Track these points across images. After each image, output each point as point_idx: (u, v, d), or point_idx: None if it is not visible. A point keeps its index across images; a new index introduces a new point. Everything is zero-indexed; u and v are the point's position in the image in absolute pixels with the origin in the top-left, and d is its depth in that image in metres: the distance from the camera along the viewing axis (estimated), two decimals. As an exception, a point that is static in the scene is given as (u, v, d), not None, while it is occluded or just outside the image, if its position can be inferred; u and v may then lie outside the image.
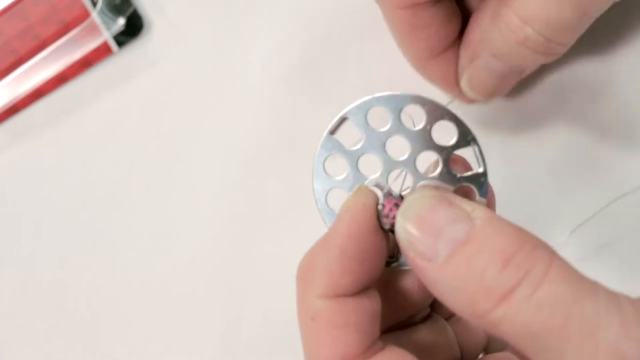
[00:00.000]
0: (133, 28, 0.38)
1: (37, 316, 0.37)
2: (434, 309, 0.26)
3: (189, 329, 0.36)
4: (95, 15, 0.38)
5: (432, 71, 0.29)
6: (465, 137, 0.22)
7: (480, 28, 0.27)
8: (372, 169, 0.23)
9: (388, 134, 0.23)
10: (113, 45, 0.38)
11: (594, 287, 0.19)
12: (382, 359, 0.22)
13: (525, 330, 0.18)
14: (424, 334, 0.25)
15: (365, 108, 0.23)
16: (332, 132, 0.23)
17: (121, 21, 0.38)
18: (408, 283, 0.24)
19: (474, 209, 0.20)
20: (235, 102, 0.37)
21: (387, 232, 0.22)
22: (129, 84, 0.38)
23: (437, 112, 0.22)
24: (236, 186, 0.37)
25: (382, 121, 0.23)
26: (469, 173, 0.23)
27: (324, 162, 0.23)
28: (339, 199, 0.23)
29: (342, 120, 0.23)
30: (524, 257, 0.19)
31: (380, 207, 0.22)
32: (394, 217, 0.21)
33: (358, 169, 0.23)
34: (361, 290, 0.22)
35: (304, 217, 0.29)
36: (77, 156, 0.38)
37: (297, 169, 0.36)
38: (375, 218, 0.22)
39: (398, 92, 0.23)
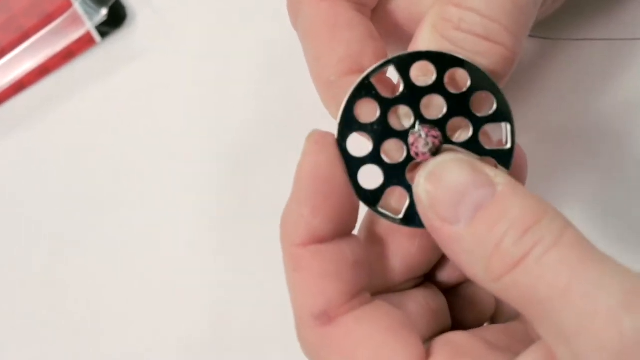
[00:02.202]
0: (116, 18, 0.38)
1: (23, 314, 0.37)
2: (431, 279, 0.27)
3: (180, 324, 0.36)
4: (77, 5, 0.38)
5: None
6: (502, 113, 0.23)
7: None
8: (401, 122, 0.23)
9: (427, 91, 0.23)
10: (96, 36, 0.38)
11: (602, 257, 0.19)
12: (367, 311, 0.22)
13: (531, 294, 0.19)
14: (416, 298, 0.25)
15: (412, 59, 0.23)
16: (370, 75, 0.23)
17: (104, 11, 0.38)
18: (407, 247, 0.24)
19: (497, 174, 0.20)
20: (223, 94, 0.37)
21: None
22: (113, 75, 0.38)
23: (481, 82, 0.22)
24: (226, 180, 0.37)
25: (424, 77, 0.23)
26: (496, 147, 0.23)
27: (355, 103, 0.23)
28: (359, 144, 0.23)
29: (385, 65, 0.23)
30: (542, 228, 0.19)
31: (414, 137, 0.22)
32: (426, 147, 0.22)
33: (387, 118, 0.23)
34: (339, 236, 0.22)
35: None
36: (60, 150, 0.38)
37: (289, 162, 0.33)
38: (336, 153, 0.22)
39: (450, 52, 0.22)
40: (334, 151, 0.22)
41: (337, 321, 0.22)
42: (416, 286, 0.26)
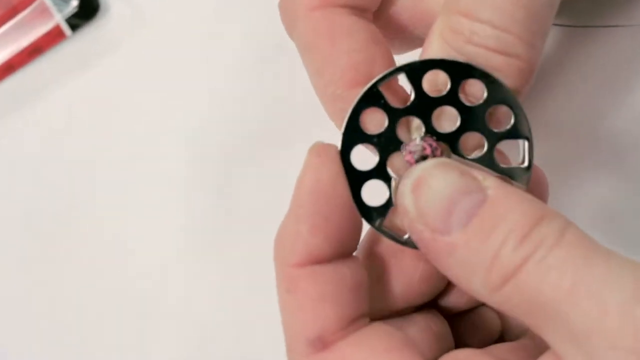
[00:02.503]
0: (88, 10, 0.37)
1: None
2: (433, 305, 0.26)
3: (159, 332, 0.36)
4: (45, -5, 0.36)
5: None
6: (521, 129, 0.22)
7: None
8: (408, 135, 0.23)
9: (440, 102, 0.22)
10: (66, 29, 0.36)
11: (607, 252, 0.19)
12: (365, 334, 0.22)
13: (536, 299, 0.18)
14: (416, 321, 0.24)
15: (425, 67, 0.22)
16: (379, 83, 0.22)
17: (74, 2, 0.36)
18: (410, 271, 0.24)
19: (485, 177, 0.20)
20: (205, 91, 0.36)
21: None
22: (84, 72, 0.37)
23: (499, 95, 0.22)
24: (207, 182, 0.36)
25: (436, 87, 0.23)
26: (513, 165, 0.22)
27: (360, 113, 0.22)
28: (364, 157, 0.23)
29: (396, 72, 0.22)
30: (542, 229, 0.19)
31: (414, 149, 0.22)
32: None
33: (395, 129, 0.22)
34: (339, 257, 0.22)
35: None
36: (28, 151, 0.37)
37: (273, 162, 0.35)
38: (338, 168, 0.22)
39: (467, 61, 0.22)
40: (337, 165, 0.22)
41: (333, 347, 0.21)
42: (416, 311, 0.25)
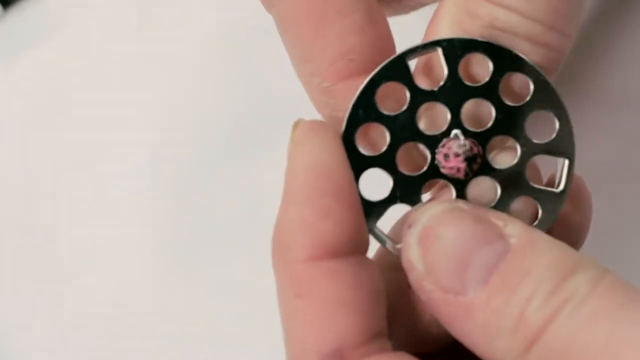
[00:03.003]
0: None
1: None
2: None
3: (126, 347, 0.34)
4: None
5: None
6: (563, 144, 0.21)
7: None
8: (431, 125, 0.22)
9: (475, 93, 0.21)
10: None
11: None
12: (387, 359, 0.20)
13: (567, 356, 0.18)
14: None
15: (466, 47, 0.21)
16: (408, 55, 0.21)
17: None
18: (415, 309, 0.23)
19: (507, 223, 0.19)
20: (163, 83, 0.35)
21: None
22: (18, 56, 0.36)
23: (547, 99, 0.21)
24: (168, 187, 0.35)
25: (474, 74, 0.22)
26: (547, 188, 0.22)
27: (380, 85, 0.21)
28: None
29: (430, 46, 0.21)
30: (574, 281, 0.18)
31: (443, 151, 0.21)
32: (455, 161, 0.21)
33: (415, 114, 0.21)
34: (355, 252, 0.21)
35: (261, 232, 0.25)
36: None
37: (248, 165, 0.34)
38: (340, 144, 0.21)
39: (514, 51, 0.21)
40: (336, 139, 0.21)
41: None
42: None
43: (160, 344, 0.34)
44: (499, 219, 0.19)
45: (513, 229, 0.19)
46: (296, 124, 0.21)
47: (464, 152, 0.21)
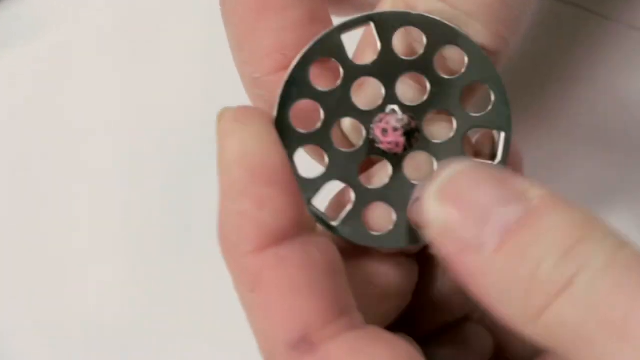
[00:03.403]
0: None
1: None
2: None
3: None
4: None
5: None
6: (500, 116, 0.22)
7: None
8: (366, 100, 0.22)
9: (410, 67, 0.21)
10: None
11: None
12: (361, 339, 0.20)
13: (579, 332, 0.18)
14: (454, 339, 0.25)
15: (398, 23, 0.21)
16: (342, 30, 0.21)
17: None
18: (443, 288, 0.24)
19: (530, 186, 0.19)
20: (151, 76, 0.35)
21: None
22: (2, 55, 0.35)
23: (482, 72, 0.21)
24: (154, 193, 0.34)
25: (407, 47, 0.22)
26: (484, 161, 0.22)
27: (313, 61, 0.21)
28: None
29: (363, 21, 0.21)
30: (590, 245, 0.18)
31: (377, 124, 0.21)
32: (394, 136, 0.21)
33: (349, 89, 0.21)
34: (300, 232, 0.21)
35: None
36: None
37: None
38: (271, 128, 0.21)
39: (448, 22, 0.21)
40: (263, 124, 0.21)
41: (322, 348, 0.20)
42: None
43: (157, 343, 0.33)
44: (523, 181, 0.19)
45: (536, 190, 0.19)
46: (221, 115, 0.21)
47: (402, 126, 0.21)
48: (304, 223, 0.21)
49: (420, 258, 0.23)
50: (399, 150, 0.21)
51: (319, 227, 0.22)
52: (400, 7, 0.22)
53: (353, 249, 0.23)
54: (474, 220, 0.19)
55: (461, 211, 0.19)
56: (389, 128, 0.21)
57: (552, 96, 0.34)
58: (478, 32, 0.22)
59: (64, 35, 0.36)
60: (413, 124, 0.21)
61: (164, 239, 0.34)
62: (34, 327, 0.34)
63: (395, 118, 0.21)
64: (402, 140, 0.21)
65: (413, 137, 0.21)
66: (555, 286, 0.18)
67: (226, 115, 0.21)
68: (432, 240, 0.20)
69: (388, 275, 0.23)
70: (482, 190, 0.19)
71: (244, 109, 0.21)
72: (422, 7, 0.21)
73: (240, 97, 0.31)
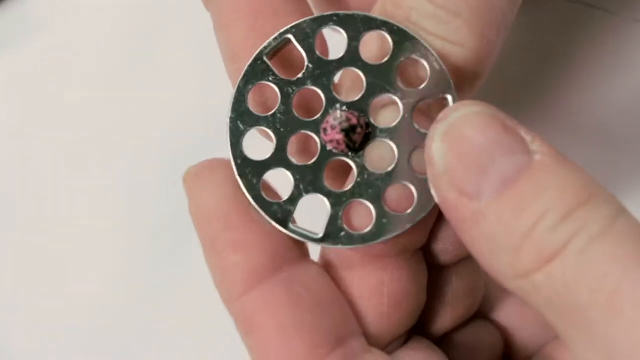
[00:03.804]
0: None
1: None
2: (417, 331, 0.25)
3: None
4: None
5: None
6: (439, 82, 0.21)
7: None
8: (309, 110, 0.22)
9: (339, 66, 0.21)
10: None
11: None
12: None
13: (568, 298, 0.17)
14: (465, 338, 0.25)
15: (315, 27, 0.21)
16: (267, 54, 0.22)
17: None
18: (374, 295, 0.23)
19: (534, 139, 0.19)
20: (147, 75, 0.35)
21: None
22: (2, 57, 0.36)
23: (408, 45, 0.21)
24: (154, 192, 0.34)
25: (333, 48, 0.23)
26: None
27: (248, 91, 0.22)
28: (260, 143, 0.22)
29: (283, 40, 0.22)
30: (589, 211, 0.18)
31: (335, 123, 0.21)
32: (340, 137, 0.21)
33: (291, 106, 0.21)
34: (284, 264, 0.21)
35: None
36: None
37: None
38: (224, 171, 0.21)
39: (362, 13, 0.21)
40: (222, 170, 0.21)
41: None
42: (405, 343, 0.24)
43: (157, 342, 0.33)
44: (528, 134, 0.19)
45: (540, 146, 0.19)
46: (186, 173, 0.22)
47: (340, 124, 0.21)
48: (284, 256, 0.21)
49: (429, 257, 0.23)
50: (342, 147, 0.21)
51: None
52: (389, 10, 0.22)
53: (355, 262, 0.22)
54: (474, 167, 0.19)
55: (463, 157, 0.19)
56: (328, 127, 0.21)
57: (558, 92, 0.33)
58: (460, 31, 0.21)
59: (65, 36, 0.36)
60: (354, 121, 0.21)
61: (163, 239, 0.34)
62: (33, 326, 0.34)
63: (333, 117, 0.21)
64: (340, 137, 0.21)
65: (354, 132, 0.21)
66: (549, 248, 0.18)
67: (189, 172, 0.22)
68: (431, 181, 0.20)
69: (396, 281, 0.23)
70: (487, 136, 0.19)
71: (203, 162, 0.22)
72: (405, 4, 0.21)
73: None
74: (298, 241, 0.21)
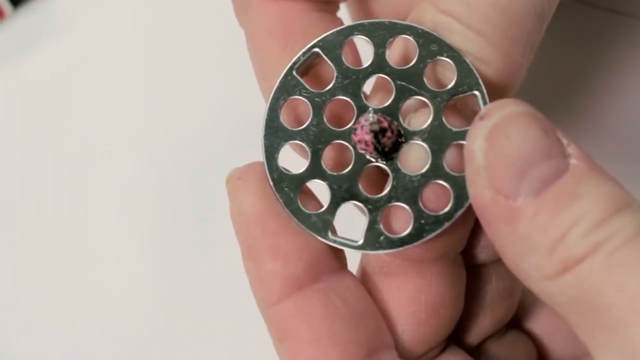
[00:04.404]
0: None
1: None
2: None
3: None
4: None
5: None
6: (467, 81, 0.21)
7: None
8: (340, 120, 0.22)
9: (367, 73, 0.21)
10: (6, 5, 0.35)
11: None
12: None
13: (594, 300, 0.17)
14: (499, 349, 0.24)
15: (341, 38, 0.22)
16: (297, 69, 0.22)
17: None
18: (410, 303, 0.23)
19: (570, 143, 0.19)
20: (171, 78, 0.35)
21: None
22: (27, 57, 0.35)
23: (434, 47, 0.21)
24: (175, 191, 0.34)
25: (360, 56, 0.23)
26: (468, 128, 0.21)
27: (280, 107, 0.22)
28: (295, 157, 0.22)
29: (311, 54, 0.22)
30: (621, 219, 0.18)
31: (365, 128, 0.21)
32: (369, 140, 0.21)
33: (323, 117, 0.21)
34: (321, 274, 0.21)
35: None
36: None
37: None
38: (263, 183, 0.21)
39: (386, 20, 0.21)
40: (264, 178, 0.21)
41: None
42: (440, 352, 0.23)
43: (163, 342, 0.33)
44: (564, 137, 0.19)
45: (576, 151, 0.19)
46: (228, 176, 0.22)
47: (370, 124, 0.21)
48: (322, 265, 0.21)
49: (468, 258, 0.23)
50: (370, 150, 0.21)
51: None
52: (412, 20, 0.22)
53: (393, 269, 0.22)
54: (515, 167, 0.19)
55: (505, 156, 0.19)
56: (359, 127, 0.21)
57: (576, 94, 0.33)
58: (482, 47, 0.21)
59: (90, 37, 0.35)
60: (385, 124, 0.21)
61: (185, 240, 0.34)
62: (54, 325, 0.34)
63: (364, 118, 0.21)
64: (369, 137, 0.21)
65: (384, 135, 0.21)
66: (580, 252, 0.18)
67: (233, 175, 0.22)
68: (468, 177, 0.20)
69: (434, 287, 0.22)
70: (529, 138, 0.19)
71: (247, 167, 0.22)
72: (429, 19, 0.21)
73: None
74: (336, 251, 0.21)
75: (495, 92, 0.21)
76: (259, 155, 0.30)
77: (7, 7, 0.35)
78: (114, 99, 0.35)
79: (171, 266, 0.34)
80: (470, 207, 0.20)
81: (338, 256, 0.21)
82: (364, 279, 0.22)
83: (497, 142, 0.19)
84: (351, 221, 0.22)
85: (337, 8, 0.24)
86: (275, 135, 0.22)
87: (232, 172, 0.22)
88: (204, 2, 0.35)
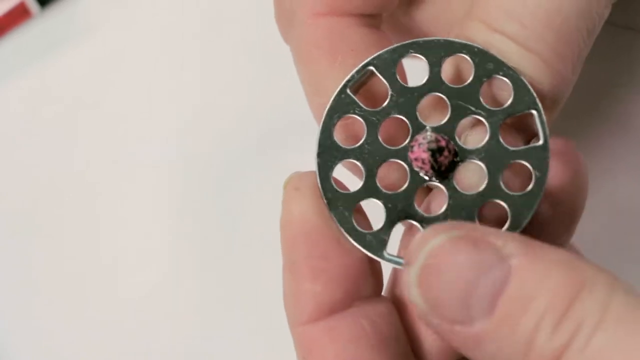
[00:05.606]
0: None
1: None
2: None
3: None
4: (8, -34, 0.35)
5: None
6: (525, 99, 0.21)
7: None
8: (396, 138, 0.22)
9: (423, 91, 0.21)
10: (32, 5, 0.35)
11: None
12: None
13: None
14: None
15: (396, 56, 0.21)
16: (350, 87, 0.21)
17: None
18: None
19: (505, 242, 0.18)
20: (195, 85, 0.35)
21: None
22: (53, 56, 0.36)
23: (490, 66, 0.21)
24: (198, 190, 0.34)
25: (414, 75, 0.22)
26: (528, 146, 0.21)
27: (334, 125, 0.21)
28: (348, 175, 0.22)
29: (365, 72, 0.21)
30: (581, 306, 0.17)
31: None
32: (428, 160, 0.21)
33: (377, 136, 0.21)
34: (358, 301, 0.21)
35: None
36: None
37: (278, 166, 0.32)
38: (317, 199, 0.21)
39: (440, 38, 0.21)
40: (315, 197, 0.21)
41: None
42: None
43: (178, 345, 0.34)
44: (497, 238, 0.19)
45: (512, 248, 0.18)
46: (286, 182, 0.21)
47: (428, 142, 0.21)
48: (359, 292, 0.21)
49: None
50: (427, 168, 0.21)
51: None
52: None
53: None
54: (458, 298, 0.19)
55: (444, 290, 0.19)
56: (416, 145, 0.21)
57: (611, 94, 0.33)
58: (536, 66, 0.21)
59: (115, 39, 0.36)
60: (442, 143, 0.21)
61: (210, 245, 0.34)
62: (77, 329, 0.34)
63: (422, 136, 0.21)
64: (426, 155, 0.21)
65: (441, 154, 0.21)
66: (552, 354, 0.18)
67: (290, 182, 0.22)
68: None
69: None
70: (459, 264, 0.19)
71: (305, 176, 0.22)
72: (481, 39, 0.21)
73: (294, 104, 0.31)
74: (375, 277, 0.21)
75: (546, 107, 0.21)
76: (283, 160, 0.31)
77: (34, 7, 0.35)
78: (141, 99, 0.35)
79: (194, 271, 0.34)
80: (527, 226, 0.20)
81: (375, 281, 0.21)
82: (397, 303, 0.22)
83: (430, 282, 0.19)
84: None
85: (381, 21, 0.25)
86: (329, 153, 0.21)
87: (291, 179, 0.22)
88: (231, 2, 0.35)
